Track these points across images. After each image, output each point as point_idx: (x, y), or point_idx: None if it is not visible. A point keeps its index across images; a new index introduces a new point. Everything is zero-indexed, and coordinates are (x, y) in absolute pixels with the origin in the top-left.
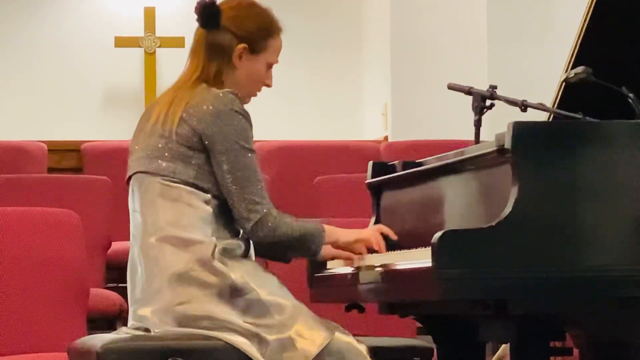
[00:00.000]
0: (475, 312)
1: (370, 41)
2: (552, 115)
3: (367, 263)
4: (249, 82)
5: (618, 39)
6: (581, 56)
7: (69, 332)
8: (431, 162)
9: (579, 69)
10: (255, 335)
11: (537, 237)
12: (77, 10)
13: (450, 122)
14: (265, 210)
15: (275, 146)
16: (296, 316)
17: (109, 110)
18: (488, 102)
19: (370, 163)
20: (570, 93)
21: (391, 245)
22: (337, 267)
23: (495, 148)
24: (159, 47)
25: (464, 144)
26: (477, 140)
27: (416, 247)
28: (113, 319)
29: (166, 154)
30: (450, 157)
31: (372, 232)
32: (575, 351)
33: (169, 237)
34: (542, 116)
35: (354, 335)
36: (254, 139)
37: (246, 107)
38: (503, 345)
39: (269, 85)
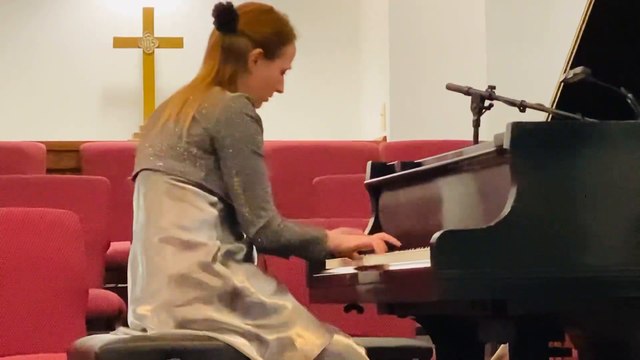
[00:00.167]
0: (474, 312)
1: (369, 41)
2: (550, 116)
3: (366, 263)
4: (262, 87)
5: (617, 39)
6: (580, 56)
7: (68, 333)
8: (430, 162)
9: (578, 69)
10: (255, 336)
11: (535, 237)
12: (76, 11)
13: (449, 123)
14: (269, 217)
15: (274, 146)
16: (297, 318)
17: (107, 110)
18: (487, 103)
19: (369, 163)
20: (569, 93)
21: (390, 246)
22: (336, 268)
23: (494, 148)
24: (158, 47)
25: (462, 144)
26: (475, 140)
27: (415, 247)
28: (112, 319)
29: (176, 153)
30: (449, 157)
31: (375, 238)
32: (574, 352)
33: (171, 238)
34: (540, 116)
35: (353, 335)
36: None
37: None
38: (502, 346)
39: (280, 91)
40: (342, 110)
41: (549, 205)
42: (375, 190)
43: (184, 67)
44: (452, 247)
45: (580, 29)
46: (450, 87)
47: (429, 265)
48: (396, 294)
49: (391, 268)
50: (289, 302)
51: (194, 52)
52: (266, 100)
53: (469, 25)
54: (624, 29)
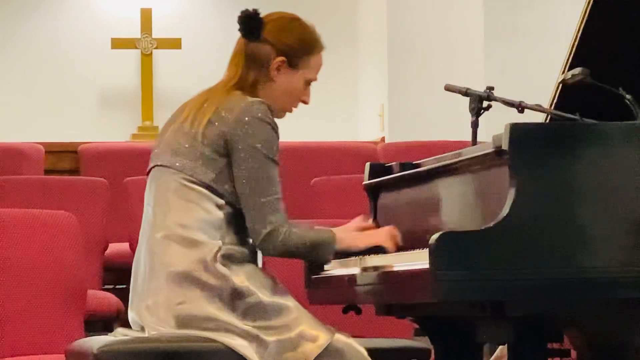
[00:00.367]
0: (472, 313)
1: (367, 42)
2: (549, 117)
3: (365, 264)
4: (285, 96)
5: (615, 40)
6: (578, 57)
7: (66, 334)
8: (429, 163)
9: (576, 70)
10: (254, 337)
11: (534, 238)
12: (73, 11)
13: (447, 123)
14: (275, 225)
15: None
16: (297, 318)
17: (105, 111)
18: (485, 104)
19: (367, 164)
20: (568, 94)
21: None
22: (334, 269)
23: (492, 149)
24: (156, 48)
25: (461, 145)
26: (474, 141)
27: (413, 248)
28: (110, 320)
29: (189, 152)
30: (448, 158)
31: (384, 235)
32: (573, 352)
33: (173, 236)
34: (539, 117)
35: (352, 336)
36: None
37: None
38: (500, 347)
39: (306, 102)
40: (341, 110)
41: (547, 206)
42: (373, 191)
43: (182, 68)
44: (450, 248)
45: (579, 30)
46: (448, 88)
47: (427, 266)
48: (395, 295)
49: (389, 269)
50: (290, 302)
51: (192, 53)
52: (290, 110)
53: (467, 26)
54: (623, 30)
